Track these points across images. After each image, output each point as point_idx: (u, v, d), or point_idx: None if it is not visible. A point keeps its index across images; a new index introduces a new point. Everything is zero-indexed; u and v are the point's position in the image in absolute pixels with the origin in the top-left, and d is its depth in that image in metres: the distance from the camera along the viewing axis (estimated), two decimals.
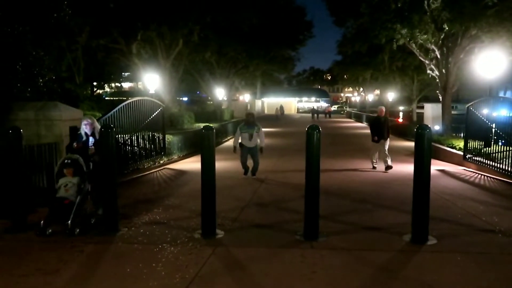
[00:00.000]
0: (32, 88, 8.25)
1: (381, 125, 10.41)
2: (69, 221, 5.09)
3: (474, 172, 10.09)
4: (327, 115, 49.56)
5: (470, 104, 11.35)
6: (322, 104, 70.25)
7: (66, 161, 5.56)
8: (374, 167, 10.55)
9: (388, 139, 10.51)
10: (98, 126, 6.10)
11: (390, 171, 10.05)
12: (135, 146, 9.86)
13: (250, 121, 9.14)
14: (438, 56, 16.51)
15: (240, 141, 9.19)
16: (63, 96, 10.68)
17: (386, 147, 10.38)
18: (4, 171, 5.69)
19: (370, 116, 34.87)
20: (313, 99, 74.46)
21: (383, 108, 11.08)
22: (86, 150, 5.90)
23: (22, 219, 5.38)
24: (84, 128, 6.01)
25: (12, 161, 5.43)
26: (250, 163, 9.32)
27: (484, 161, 9.99)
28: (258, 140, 9.10)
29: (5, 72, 7.64)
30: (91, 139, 6.05)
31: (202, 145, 5.13)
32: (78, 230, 5.16)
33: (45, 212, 6.13)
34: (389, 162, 10.16)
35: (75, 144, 5.87)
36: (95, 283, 3.85)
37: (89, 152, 5.91)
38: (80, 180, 5.48)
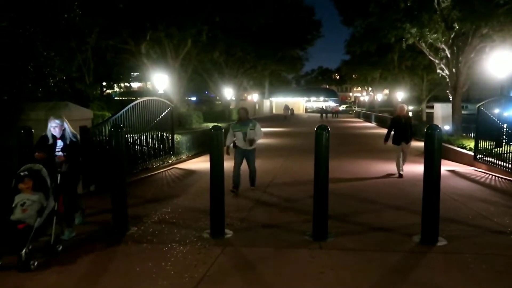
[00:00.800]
0: (43, 88, 8.35)
1: (402, 126, 9.29)
2: (23, 252, 3.98)
3: (484, 172, 9.97)
4: (334, 115, 49.53)
5: (481, 104, 11.22)
6: (331, 103, 70.06)
7: (21, 173, 4.40)
8: (400, 175, 9.30)
9: (411, 142, 9.47)
10: (69, 128, 5.15)
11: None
12: (144, 145, 9.93)
13: (243, 117, 7.75)
14: (448, 56, 16.36)
15: (235, 142, 7.74)
16: (73, 96, 10.78)
17: (408, 151, 9.48)
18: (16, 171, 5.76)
19: (379, 116, 34.71)
20: (321, 98, 74.22)
21: (404, 106, 9.83)
22: (52, 158, 4.87)
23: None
24: (52, 131, 5.03)
25: (23, 161, 5.50)
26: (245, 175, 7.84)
27: (495, 161, 9.88)
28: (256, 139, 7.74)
29: (17, 72, 7.74)
30: (59, 143, 5.06)
31: (211, 145, 5.15)
32: (36, 262, 4.09)
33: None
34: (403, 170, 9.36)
35: (36, 154, 4.79)
36: (105, 281, 3.88)
37: (56, 161, 4.86)
38: (43, 197, 4.38)
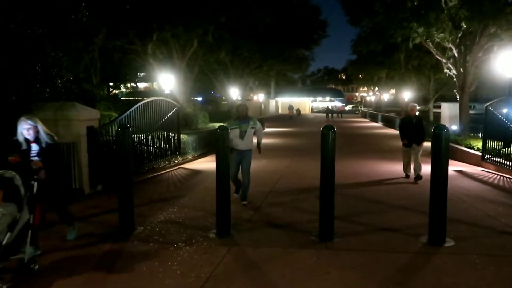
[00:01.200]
0: (50, 89, 8.42)
1: (412, 127, 8.79)
2: None
3: (492, 173, 9.89)
4: (339, 115, 49.33)
5: (488, 103, 11.13)
6: (337, 103, 69.96)
7: None
8: (407, 176, 9.10)
9: (423, 143, 8.79)
10: (44, 130, 4.56)
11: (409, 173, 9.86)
12: (150, 145, 9.97)
13: (243, 114, 6.79)
14: (456, 55, 16.25)
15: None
16: (80, 96, 10.85)
17: (419, 154, 8.77)
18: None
19: (386, 116, 34.55)
20: (327, 98, 74.06)
21: (415, 106, 9.26)
22: (27, 163, 4.33)
23: (41, 217, 5.48)
24: (25, 134, 4.46)
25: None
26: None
27: (503, 161, 9.79)
28: (254, 141, 6.95)
29: (25, 73, 7.82)
30: (34, 147, 4.52)
31: (217, 145, 5.15)
32: (4, 286, 3.63)
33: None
34: (420, 172, 8.59)
35: (10, 158, 4.26)
36: (112, 280, 3.91)
37: (32, 167, 4.30)
38: (15, 208, 3.81)
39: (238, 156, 6.73)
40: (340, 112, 51.34)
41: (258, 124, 6.99)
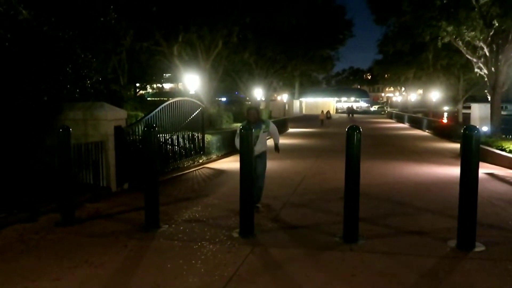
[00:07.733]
0: (80, 89, 8.65)
1: None
2: None
3: None
4: (350, 115, 47.94)
5: None
6: (362, 104, 69.08)
7: None
8: None
9: None
10: None
11: (433, 173, 9.60)
12: (175, 145, 10.11)
13: (254, 118, 6.54)
14: (487, 54, 15.73)
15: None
16: (108, 96, 11.12)
17: None
18: (55, 168, 6.01)
19: (413, 116, 33.66)
20: (352, 99, 73.27)
21: None
22: None
23: (70, 214, 5.67)
24: None
25: (62, 159, 5.73)
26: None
27: None
28: (269, 142, 6.79)
29: (57, 74, 8.07)
30: None
31: (241, 145, 5.17)
32: None
33: (92, 208, 6.45)
34: None
35: None
36: (138, 276, 3.98)
37: None
38: None
39: (254, 160, 6.25)
40: (351, 112, 49.27)
41: (271, 126, 6.74)
